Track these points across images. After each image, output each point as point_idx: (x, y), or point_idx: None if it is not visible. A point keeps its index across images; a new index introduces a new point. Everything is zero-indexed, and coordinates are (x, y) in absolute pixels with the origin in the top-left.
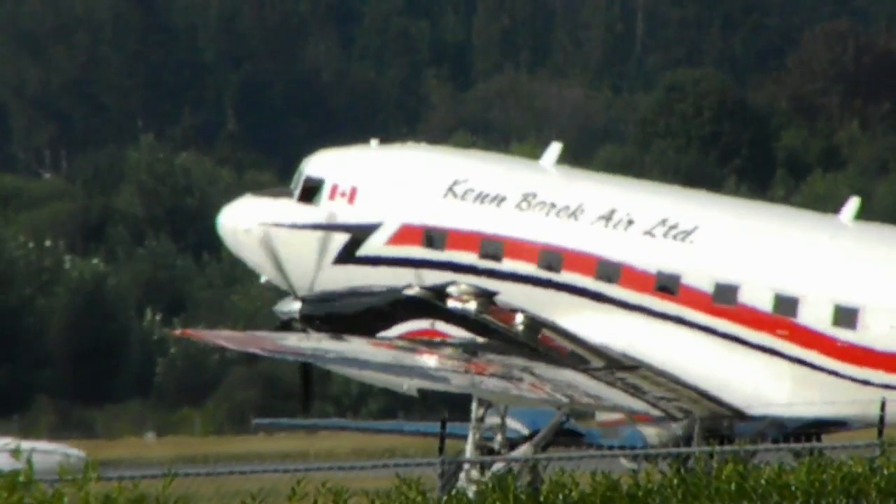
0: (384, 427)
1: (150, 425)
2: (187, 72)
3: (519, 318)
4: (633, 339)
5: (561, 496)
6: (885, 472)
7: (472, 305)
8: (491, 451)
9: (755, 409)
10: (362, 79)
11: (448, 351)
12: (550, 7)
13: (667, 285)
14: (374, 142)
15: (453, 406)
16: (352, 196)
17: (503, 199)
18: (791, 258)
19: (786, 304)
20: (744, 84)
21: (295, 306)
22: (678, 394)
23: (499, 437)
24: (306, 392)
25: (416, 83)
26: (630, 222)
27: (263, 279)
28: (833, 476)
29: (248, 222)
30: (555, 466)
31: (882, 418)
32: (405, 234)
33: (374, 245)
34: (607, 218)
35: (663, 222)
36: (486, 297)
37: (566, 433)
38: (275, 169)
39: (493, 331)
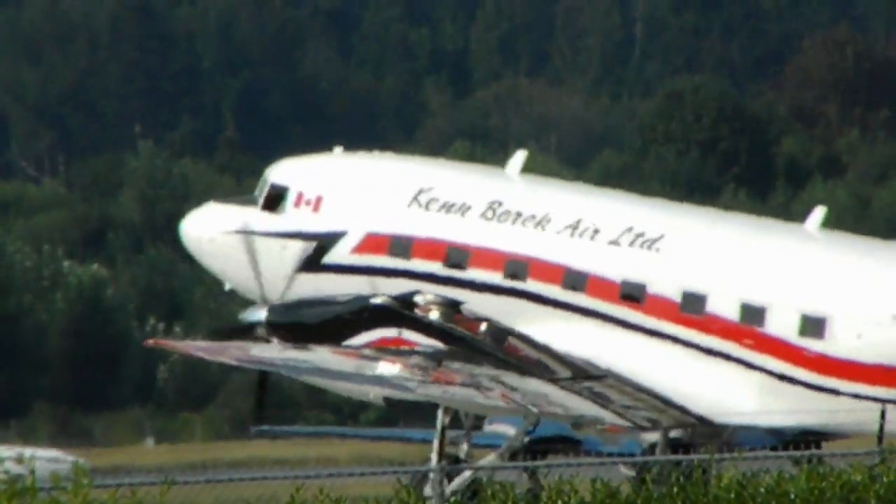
0: (383, 434)
1: (148, 432)
2: (186, 79)
3: (484, 326)
4: (599, 348)
5: (560, 503)
6: (885, 479)
7: (438, 314)
8: (457, 460)
9: (722, 419)
10: (361, 86)
11: (414, 360)
12: (549, 14)
13: (633, 294)
14: (338, 150)
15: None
16: (317, 204)
17: (468, 207)
18: (758, 267)
19: (753, 314)
20: (743, 91)
21: (260, 315)
22: (645, 403)
23: (464, 446)
24: (260, 403)
25: (415, 90)
26: (596, 231)
27: (227, 287)
28: (832, 484)
29: (211, 230)
30: (554, 473)
31: (882, 426)
32: (370, 243)
33: (338, 253)
34: (573, 227)
35: (629, 231)
36: (451, 305)
37: (565, 440)
38: None
39: (460, 339)
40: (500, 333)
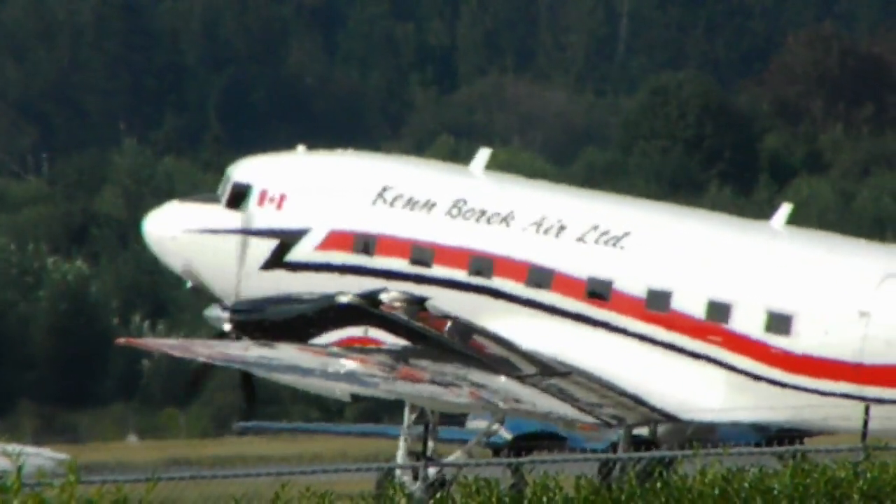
0: (368, 430)
1: (132, 428)
2: (170, 76)
3: (450, 324)
4: (564, 345)
5: (545, 499)
6: (869, 476)
7: (403, 312)
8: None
9: (688, 416)
10: (346, 82)
11: (380, 357)
12: (534, 10)
13: (599, 291)
14: (301, 147)
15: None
16: (280, 202)
17: (433, 205)
18: (724, 264)
19: (719, 311)
20: (727, 87)
21: (224, 312)
22: (611, 400)
23: (430, 444)
24: (249, 400)
25: (400, 87)
26: (561, 228)
27: (189, 285)
28: (816, 480)
29: (174, 229)
30: (539, 470)
31: (866, 423)
32: (334, 240)
33: (302, 251)
34: (538, 224)
35: (595, 228)
36: (417, 303)
37: (550, 437)
38: None
39: (426, 337)
40: (466, 331)
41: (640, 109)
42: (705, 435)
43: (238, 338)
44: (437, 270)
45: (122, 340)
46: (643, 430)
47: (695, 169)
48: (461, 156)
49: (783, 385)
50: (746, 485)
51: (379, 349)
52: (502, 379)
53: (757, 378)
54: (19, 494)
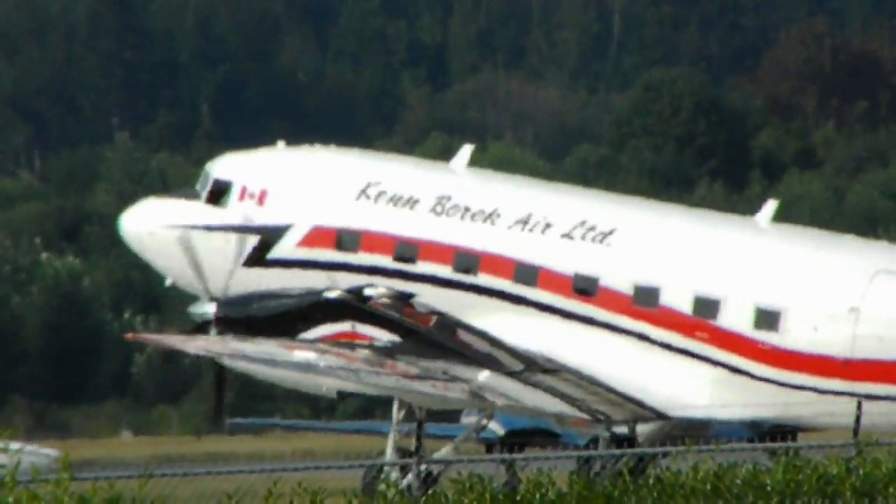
0: (360, 427)
1: (125, 425)
2: (163, 72)
3: (436, 320)
4: (552, 341)
5: (538, 495)
6: (861, 472)
7: (390, 307)
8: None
9: (676, 412)
10: (339, 79)
11: (367, 353)
12: (527, 7)
13: (585, 288)
14: (280, 143)
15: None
16: (262, 198)
17: (417, 201)
18: (711, 261)
19: (706, 307)
20: (720, 84)
21: (209, 308)
22: (599, 396)
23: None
24: (219, 401)
25: (393, 84)
26: (547, 225)
27: (169, 282)
28: (809, 476)
29: (153, 224)
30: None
31: (858, 419)
32: (317, 236)
33: (284, 247)
34: (524, 221)
35: (581, 225)
36: (403, 299)
37: (543, 433)
38: None
39: (413, 333)
40: (452, 327)
41: (633, 106)
42: (698, 431)
43: (221, 333)
44: (422, 267)
45: (130, 336)
46: (623, 428)
47: (687, 165)
48: (454, 153)
49: (771, 381)
50: (739, 481)
51: (365, 344)
52: (489, 374)
53: (745, 374)
54: (13, 491)
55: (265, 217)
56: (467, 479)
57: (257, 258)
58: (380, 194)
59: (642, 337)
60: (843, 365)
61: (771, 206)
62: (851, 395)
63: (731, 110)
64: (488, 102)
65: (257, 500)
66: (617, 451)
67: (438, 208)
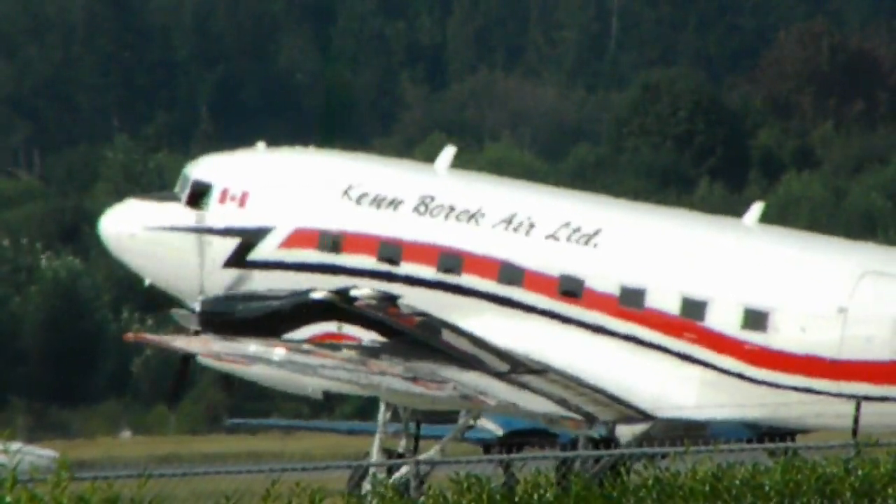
0: (356, 427)
1: (124, 425)
2: (161, 72)
3: (421, 321)
4: (537, 342)
5: (536, 496)
6: (860, 472)
7: (375, 308)
8: (400, 455)
9: (662, 413)
10: (337, 79)
11: (353, 353)
12: (525, 7)
13: (571, 289)
14: (261, 145)
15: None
16: (243, 200)
17: (400, 202)
18: (698, 261)
19: (694, 308)
20: (718, 83)
21: (194, 308)
22: (586, 397)
23: (403, 441)
24: (177, 386)
25: (391, 84)
26: (532, 226)
27: (147, 283)
28: (808, 477)
29: (133, 226)
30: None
31: (856, 419)
32: (299, 238)
33: (266, 249)
34: (508, 221)
35: (566, 225)
36: (388, 300)
37: (540, 434)
38: None
39: (399, 333)
40: (437, 328)
41: (631, 106)
42: (693, 432)
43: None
44: (406, 268)
45: (130, 336)
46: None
47: (686, 165)
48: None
49: (760, 382)
50: (737, 481)
51: (351, 345)
52: (476, 375)
53: (732, 375)
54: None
55: (247, 219)
56: (465, 480)
57: (239, 260)
58: (362, 195)
59: (629, 338)
60: (832, 365)
61: (758, 207)
62: (839, 396)
63: (730, 110)
64: (486, 102)
65: (256, 500)
66: (617, 452)
67: (422, 209)
